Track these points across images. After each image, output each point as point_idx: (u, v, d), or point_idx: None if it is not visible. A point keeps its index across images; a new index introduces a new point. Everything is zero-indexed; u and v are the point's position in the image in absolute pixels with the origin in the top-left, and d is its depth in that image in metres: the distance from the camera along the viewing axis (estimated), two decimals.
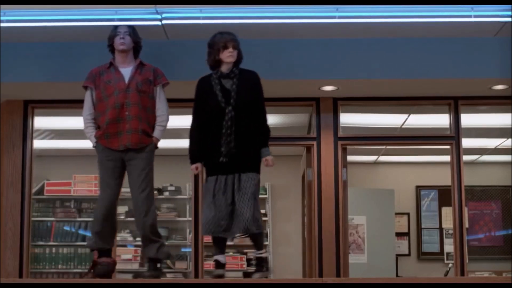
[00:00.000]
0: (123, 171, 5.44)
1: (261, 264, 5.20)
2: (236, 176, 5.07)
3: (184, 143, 7.84)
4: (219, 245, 5.23)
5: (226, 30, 5.31)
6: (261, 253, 5.21)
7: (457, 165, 7.20)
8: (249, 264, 9.52)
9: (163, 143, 10.13)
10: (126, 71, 5.47)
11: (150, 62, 6.59)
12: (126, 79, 5.42)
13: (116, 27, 5.59)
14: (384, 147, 9.34)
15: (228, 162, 5.07)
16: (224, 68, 5.23)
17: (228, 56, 5.18)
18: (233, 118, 5.08)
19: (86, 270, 8.20)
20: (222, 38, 5.19)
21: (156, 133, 5.49)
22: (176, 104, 7.40)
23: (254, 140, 5.16)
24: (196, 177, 7.24)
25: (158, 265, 5.43)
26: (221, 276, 5.14)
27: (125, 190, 9.22)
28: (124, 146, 5.34)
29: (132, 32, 5.58)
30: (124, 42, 5.49)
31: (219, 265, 5.20)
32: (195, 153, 5.28)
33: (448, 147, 7.33)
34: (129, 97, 5.35)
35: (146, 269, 5.49)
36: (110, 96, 5.37)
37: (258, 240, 5.20)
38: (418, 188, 10.97)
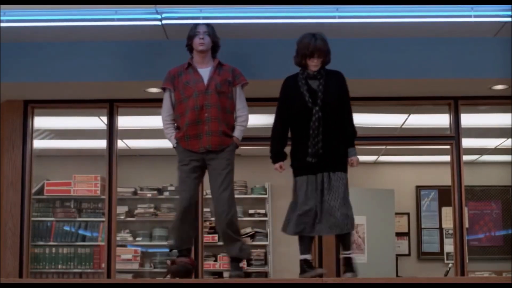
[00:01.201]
0: (202, 172, 5.42)
1: (350, 264, 5.12)
2: (326, 175, 5.04)
3: None
4: (306, 244, 5.20)
5: (316, 31, 5.21)
6: (349, 253, 5.14)
7: (457, 165, 7.20)
8: (249, 264, 9.52)
9: (163, 144, 10.16)
10: (205, 72, 5.40)
11: (150, 62, 6.63)
12: (205, 80, 5.36)
13: (195, 26, 5.50)
14: (384, 147, 9.34)
15: (317, 162, 5.03)
16: (311, 70, 5.19)
17: (312, 65, 5.15)
18: (320, 119, 5.05)
19: (88, 270, 8.23)
20: (309, 46, 5.11)
21: (236, 133, 5.44)
22: None
23: (341, 140, 5.14)
24: None
25: (241, 264, 5.40)
26: (320, 275, 5.05)
27: (125, 190, 9.30)
28: (205, 148, 5.29)
29: (211, 32, 5.49)
30: (204, 42, 5.41)
31: (308, 264, 5.16)
32: (278, 152, 5.25)
33: (448, 147, 7.33)
34: (208, 98, 5.29)
35: (230, 269, 5.45)
36: (190, 98, 5.31)
37: (346, 240, 5.15)
38: (418, 188, 10.97)
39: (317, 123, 5.04)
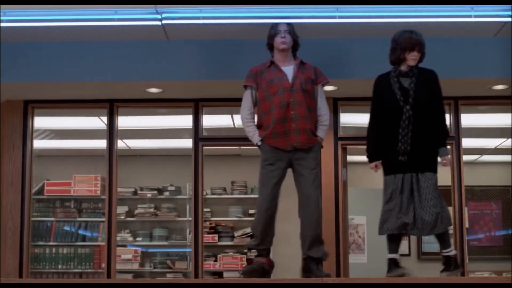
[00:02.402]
0: (286, 171, 5.41)
1: (449, 262, 5.14)
2: (414, 176, 5.07)
3: (184, 143, 7.88)
4: (394, 244, 5.19)
5: (412, 28, 5.25)
6: (448, 251, 5.16)
7: (457, 165, 7.21)
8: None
9: (163, 144, 10.17)
10: (288, 70, 5.40)
11: (150, 62, 6.63)
12: (290, 78, 5.36)
13: (276, 25, 5.50)
14: None
15: (406, 161, 5.06)
16: (404, 67, 5.21)
17: (412, 59, 5.17)
18: (410, 117, 5.08)
19: (88, 270, 8.22)
20: (411, 40, 5.15)
21: (320, 133, 5.44)
22: (176, 104, 7.44)
23: (431, 140, 5.17)
24: (196, 177, 7.24)
25: (319, 265, 5.37)
26: (402, 275, 5.05)
27: (125, 190, 9.30)
28: (292, 146, 5.28)
29: (292, 30, 5.50)
30: (285, 41, 5.42)
31: (395, 263, 5.15)
32: (374, 152, 5.29)
33: (448, 147, 7.32)
34: (294, 96, 5.29)
35: (311, 269, 5.36)
36: (274, 95, 5.31)
37: (443, 238, 5.16)
38: None
39: (407, 121, 5.08)
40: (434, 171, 5.16)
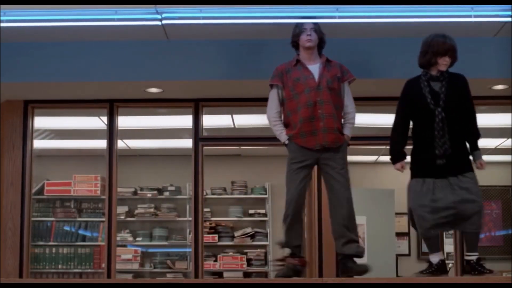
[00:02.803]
0: (312, 171, 5.42)
1: (474, 266, 5.13)
2: (454, 179, 5.02)
3: (184, 143, 7.89)
4: (433, 243, 5.15)
5: (444, 32, 5.21)
6: (472, 255, 5.13)
7: None
8: (249, 264, 9.53)
9: (163, 144, 10.18)
10: (314, 68, 5.39)
11: (150, 62, 6.63)
12: (316, 77, 5.35)
13: (301, 23, 5.50)
14: (384, 147, 9.31)
15: (444, 164, 5.01)
16: (434, 71, 5.17)
17: (444, 64, 5.14)
18: (444, 120, 5.03)
19: (88, 270, 8.22)
20: (445, 45, 5.11)
21: (347, 131, 5.43)
22: (176, 104, 7.44)
23: (465, 143, 5.14)
24: (196, 177, 7.23)
25: (355, 260, 5.35)
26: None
27: (125, 190, 9.30)
28: (321, 146, 5.27)
29: (317, 28, 5.49)
30: (311, 38, 5.41)
31: (431, 265, 5.14)
32: (398, 152, 5.25)
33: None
34: (320, 95, 5.27)
35: (343, 266, 5.37)
36: (301, 94, 5.29)
37: (473, 239, 5.13)
38: None
39: (441, 123, 5.03)
40: (473, 170, 5.13)
